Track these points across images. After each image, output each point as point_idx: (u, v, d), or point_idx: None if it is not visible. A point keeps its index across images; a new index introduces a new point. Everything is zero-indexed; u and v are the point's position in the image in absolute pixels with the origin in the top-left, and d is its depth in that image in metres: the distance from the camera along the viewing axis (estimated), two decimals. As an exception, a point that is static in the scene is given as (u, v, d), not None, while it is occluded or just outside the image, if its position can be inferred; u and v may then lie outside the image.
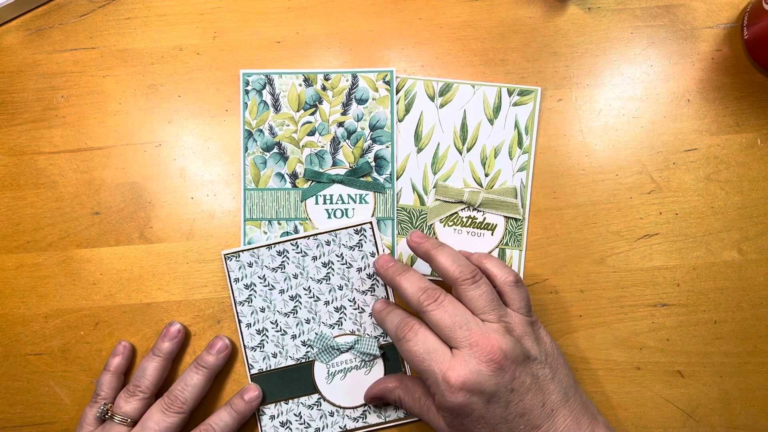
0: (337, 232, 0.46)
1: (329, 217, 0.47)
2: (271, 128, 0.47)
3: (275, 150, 0.47)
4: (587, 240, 0.46)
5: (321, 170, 0.47)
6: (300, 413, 0.45)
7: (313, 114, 0.47)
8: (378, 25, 0.48)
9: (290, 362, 0.46)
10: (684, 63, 0.47)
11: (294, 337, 0.46)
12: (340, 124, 0.47)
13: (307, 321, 0.46)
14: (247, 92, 0.47)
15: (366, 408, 0.45)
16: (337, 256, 0.46)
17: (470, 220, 0.47)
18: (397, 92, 0.47)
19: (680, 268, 0.46)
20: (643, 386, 0.46)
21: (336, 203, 0.47)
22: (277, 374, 0.46)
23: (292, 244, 0.46)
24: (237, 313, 0.46)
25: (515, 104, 0.47)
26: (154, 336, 0.46)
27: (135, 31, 0.48)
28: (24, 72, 0.48)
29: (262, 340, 0.46)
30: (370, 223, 0.46)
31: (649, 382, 0.46)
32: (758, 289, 0.46)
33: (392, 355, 0.46)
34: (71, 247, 0.47)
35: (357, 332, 0.46)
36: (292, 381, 0.46)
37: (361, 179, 0.46)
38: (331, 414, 0.45)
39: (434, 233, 0.47)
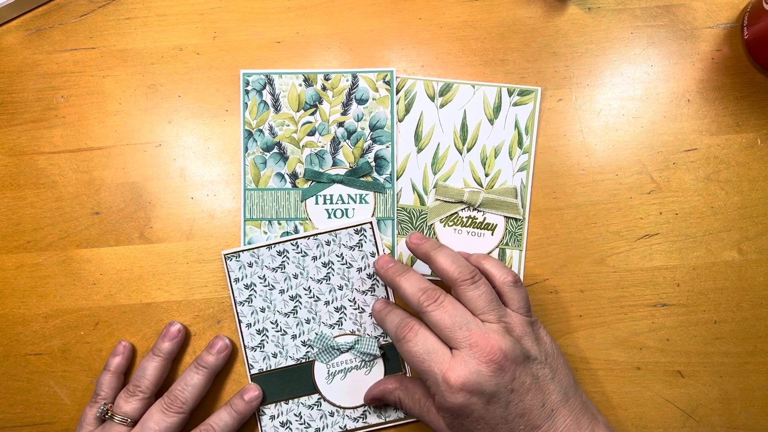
0: (337, 232, 0.46)
1: (329, 217, 0.47)
2: (271, 128, 0.47)
3: (275, 150, 0.47)
4: (587, 240, 0.46)
5: (321, 170, 0.47)
6: (300, 413, 0.45)
7: (313, 114, 0.47)
8: (378, 25, 0.48)
9: (290, 362, 0.46)
10: (684, 63, 0.47)
11: (294, 337, 0.46)
12: (340, 124, 0.47)
13: (307, 321, 0.46)
14: (247, 92, 0.47)
15: (366, 408, 0.45)
16: (337, 256, 0.46)
17: (470, 220, 0.47)
18: (397, 92, 0.47)
19: (680, 268, 0.46)
20: (643, 386, 0.46)
21: (336, 203, 0.47)
22: (277, 374, 0.46)
23: (292, 244, 0.46)
24: (237, 313, 0.46)
25: (515, 104, 0.47)
26: (154, 336, 0.46)
27: (135, 31, 0.48)
28: (24, 72, 0.48)
29: (262, 340, 0.46)
30: (370, 223, 0.46)
31: (649, 382, 0.46)
32: (758, 289, 0.46)
33: (392, 355, 0.46)
34: (71, 247, 0.47)
35: (357, 332, 0.46)
36: (292, 381, 0.46)
37: (361, 179, 0.46)
38: (331, 414, 0.45)
39: (434, 233, 0.47)
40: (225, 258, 0.46)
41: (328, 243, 0.46)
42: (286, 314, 0.46)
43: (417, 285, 0.40)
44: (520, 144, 0.47)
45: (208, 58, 0.48)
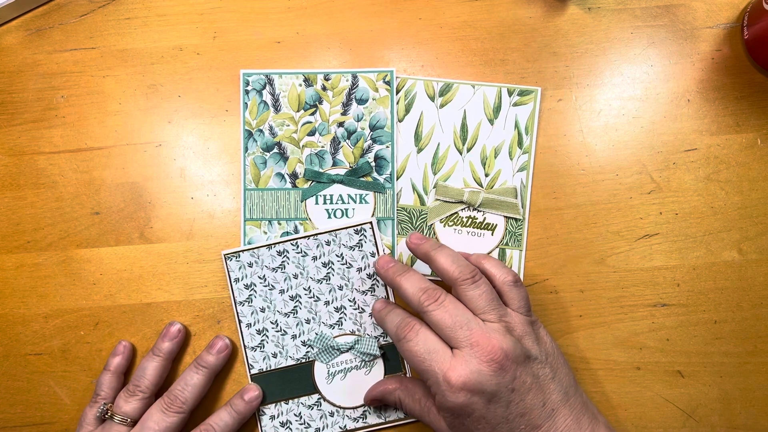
0: (337, 232, 0.46)
1: (329, 217, 0.47)
2: (271, 128, 0.47)
3: (275, 150, 0.47)
4: (587, 240, 0.46)
5: (321, 170, 0.47)
6: (300, 413, 0.45)
7: (313, 114, 0.47)
8: (378, 25, 0.48)
9: (290, 362, 0.46)
10: (684, 63, 0.47)
11: (294, 337, 0.46)
12: (340, 124, 0.47)
13: (307, 321, 0.46)
14: (247, 92, 0.47)
15: (366, 408, 0.45)
16: (337, 256, 0.46)
17: (470, 220, 0.47)
18: (397, 92, 0.47)
19: (680, 268, 0.46)
20: (643, 386, 0.46)
21: (336, 203, 0.47)
22: (277, 374, 0.46)
23: (292, 244, 0.46)
24: (237, 313, 0.46)
25: (515, 104, 0.47)
26: (154, 336, 0.46)
27: (135, 31, 0.48)
28: (24, 72, 0.48)
29: (262, 340, 0.46)
30: (370, 223, 0.46)
31: (649, 382, 0.46)
32: (758, 289, 0.46)
33: (392, 355, 0.46)
34: (71, 247, 0.47)
35: (357, 332, 0.46)
36: (292, 381, 0.46)
37: (361, 179, 0.46)
38: (331, 414, 0.45)
39: (434, 233, 0.47)
40: (225, 258, 0.46)
41: (328, 243, 0.46)
42: (286, 314, 0.46)
43: (417, 285, 0.40)
44: (520, 144, 0.47)
45: (208, 58, 0.48)
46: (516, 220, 0.46)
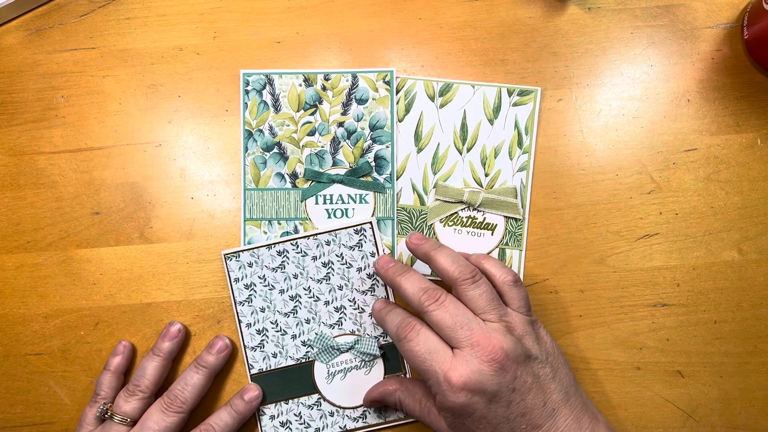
0: (337, 232, 0.46)
1: (329, 217, 0.47)
2: (271, 128, 0.47)
3: (275, 150, 0.47)
4: (587, 240, 0.46)
5: (321, 170, 0.47)
6: (300, 413, 0.45)
7: (313, 114, 0.47)
8: (378, 25, 0.48)
9: (290, 362, 0.46)
10: (684, 63, 0.47)
11: (294, 337, 0.46)
12: (340, 124, 0.47)
13: (307, 321, 0.46)
14: (247, 92, 0.47)
15: (366, 408, 0.45)
16: (337, 256, 0.46)
17: (470, 220, 0.47)
18: (397, 92, 0.47)
19: (680, 268, 0.46)
20: (643, 386, 0.46)
21: (336, 203, 0.47)
22: (277, 374, 0.46)
23: (292, 244, 0.46)
24: (237, 313, 0.46)
25: (515, 104, 0.47)
26: (154, 336, 0.46)
27: (135, 31, 0.48)
28: (24, 72, 0.48)
29: (262, 340, 0.46)
30: (370, 223, 0.46)
31: (649, 382, 0.46)
32: (758, 289, 0.46)
33: (392, 355, 0.46)
34: (71, 247, 0.47)
35: (357, 332, 0.46)
36: (292, 381, 0.46)
37: (361, 179, 0.46)
38: (331, 414, 0.45)
39: (434, 233, 0.47)
40: (225, 258, 0.46)
41: (328, 243, 0.46)
42: (286, 314, 0.46)
43: (418, 285, 0.40)
44: (520, 144, 0.47)
45: (208, 58, 0.48)
46: (516, 220, 0.46)
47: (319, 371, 0.46)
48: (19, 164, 0.47)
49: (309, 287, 0.46)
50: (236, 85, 0.47)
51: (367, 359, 0.46)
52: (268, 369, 0.46)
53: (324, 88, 0.47)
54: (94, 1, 0.48)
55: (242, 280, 0.46)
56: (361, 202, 0.47)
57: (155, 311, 0.47)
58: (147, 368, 0.44)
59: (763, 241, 0.46)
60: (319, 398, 0.45)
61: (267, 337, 0.46)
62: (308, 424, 0.45)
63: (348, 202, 0.47)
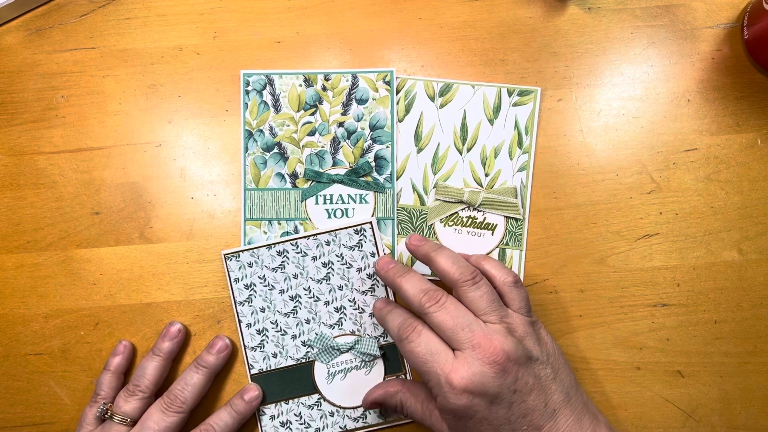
0: (337, 232, 0.46)
1: (329, 217, 0.47)
2: (271, 128, 0.47)
3: (275, 150, 0.47)
4: (587, 240, 0.46)
5: (321, 170, 0.47)
6: (300, 413, 0.45)
7: (313, 114, 0.47)
8: (378, 25, 0.48)
9: (290, 362, 0.46)
10: (684, 63, 0.47)
11: (294, 337, 0.46)
12: (340, 124, 0.47)
13: (307, 321, 0.46)
14: (247, 92, 0.47)
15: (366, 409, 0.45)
16: (337, 256, 0.46)
17: (470, 220, 0.47)
18: (397, 92, 0.47)
19: (680, 268, 0.46)
20: (643, 386, 0.46)
21: (336, 203, 0.47)
22: (277, 374, 0.46)
23: (292, 244, 0.46)
24: (237, 313, 0.46)
25: (515, 104, 0.47)
26: (154, 336, 0.46)
27: (135, 31, 0.48)
28: (24, 72, 0.48)
29: (262, 340, 0.46)
30: (370, 223, 0.46)
31: (649, 382, 0.46)
32: (758, 289, 0.46)
33: (392, 355, 0.46)
34: (71, 247, 0.47)
35: (357, 332, 0.46)
36: (292, 381, 0.46)
37: (361, 179, 0.46)
38: (331, 414, 0.45)
39: (434, 233, 0.47)
40: (225, 258, 0.46)
41: (327, 243, 0.46)
42: (286, 314, 0.46)
43: (418, 286, 0.40)
44: (520, 144, 0.47)
45: (208, 58, 0.48)
46: (516, 220, 0.46)
47: (319, 371, 0.46)
48: (19, 164, 0.47)
49: (309, 287, 0.46)
50: (236, 85, 0.47)
51: (367, 359, 0.46)
52: (268, 369, 0.46)
53: (324, 88, 0.47)
54: (94, 1, 0.48)
55: (242, 280, 0.46)
56: (361, 202, 0.47)
57: (155, 311, 0.47)
58: (147, 368, 0.44)
59: (763, 241, 0.46)
60: (319, 398, 0.45)
61: (267, 337, 0.46)
62: (308, 424, 0.45)
63: (348, 202, 0.47)
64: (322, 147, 0.47)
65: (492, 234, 0.46)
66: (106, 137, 0.48)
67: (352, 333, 0.46)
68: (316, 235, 0.46)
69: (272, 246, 0.46)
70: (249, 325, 0.46)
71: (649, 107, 0.47)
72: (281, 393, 0.46)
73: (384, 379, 0.46)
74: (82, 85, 0.48)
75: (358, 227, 0.46)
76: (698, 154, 0.47)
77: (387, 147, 0.47)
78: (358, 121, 0.47)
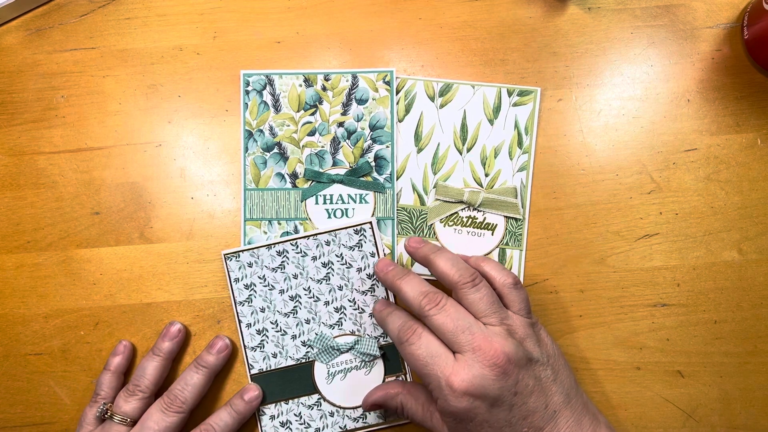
0: (337, 232, 0.46)
1: (329, 217, 0.47)
2: (271, 128, 0.47)
3: (275, 150, 0.47)
4: (587, 240, 0.46)
5: (321, 170, 0.47)
6: (300, 413, 0.45)
7: (313, 114, 0.47)
8: (378, 25, 0.48)
9: (290, 362, 0.46)
10: (684, 63, 0.47)
11: (294, 337, 0.46)
12: (340, 124, 0.47)
13: (307, 321, 0.46)
14: (247, 92, 0.47)
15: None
16: (336, 256, 0.46)
17: (470, 220, 0.47)
18: (397, 92, 0.47)
19: (680, 268, 0.46)
20: (643, 386, 0.46)
21: (336, 203, 0.47)
22: (277, 374, 0.46)
23: (292, 244, 0.46)
24: (237, 313, 0.46)
25: (515, 104, 0.47)
26: (154, 336, 0.46)
27: (135, 31, 0.48)
28: (24, 72, 0.48)
29: (262, 340, 0.46)
30: (370, 223, 0.46)
31: (649, 382, 0.46)
32: (758, 289, 0.46)
33: (392, 356, 0.46)
34: (71, 247, 0.47)
35: (357, 332, 0.46)
36: (292, 381, 0.46)
37: (361, 179, 0.46)
38: (331, 414, 0.45)
39: (434, 233, 0.47)
40: (225, 258, 0.46)
41: (327, 243, 0.46)
42: (286, 314, 0.46)
43: (418, 288, 0.40)
44: (519, 144, 0.47)
45: (208, 58, 0.48)
46: (516, 220, 0.46)
47: (319, 371, 0.46)
48: (19, 164, 0.47)
49: (309, 287, 0.46)
50: (236, 85, 0.47)
51: (367, 359, 0.46)
52: (268, 369, 0.46)
53: (324, 89, 0.47)
54: (94, 1, 0.48)
55: (242, 280, 0.46)
56: (361, 202, 0.47)
57: (155, 311, 0.47)
58: (147, 368, 0.44)
59: (763, 241, 0.46)
60: (319, 398, 0.45)
61: (267, 337, 0.46)
62: (308, 424, 0.45)
63: (348, 202, 0.47)
64: (322, 147, 0.47)
65: (492, 234, 0.46)
66: (106, 137, 0.48)
67: (352, 333, 0.46)
68: (316, 235, 0.46)
69: (272, 246, 0.46)
70: (249, 325, 0.46)
71: (649, 107, 0.47)
72: (281, 393, 0.46)
73: (384, 379, 0.46)
74: (82, 85, 0.48)
75: (358, 227, 0.46)
76: (698, 154, 0.47)
77: (387, 147, 0.47)
78: (358, 121, 0.47)
